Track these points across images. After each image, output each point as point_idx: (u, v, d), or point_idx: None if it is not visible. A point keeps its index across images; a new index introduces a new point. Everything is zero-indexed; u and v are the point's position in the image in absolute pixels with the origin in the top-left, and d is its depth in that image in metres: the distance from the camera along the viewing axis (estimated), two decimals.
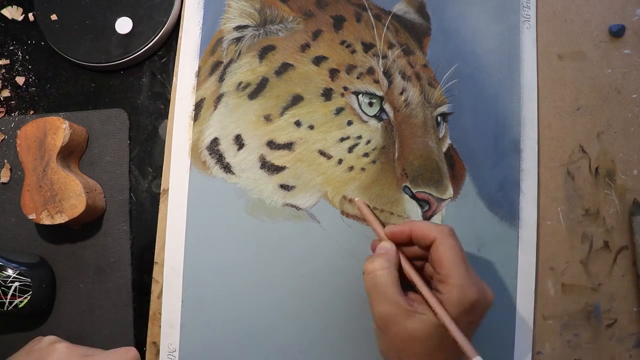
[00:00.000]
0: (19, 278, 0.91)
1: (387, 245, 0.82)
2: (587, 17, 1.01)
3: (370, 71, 0.96)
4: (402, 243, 0.83)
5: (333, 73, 0.96)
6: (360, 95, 0.96)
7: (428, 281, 0.81)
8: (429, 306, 0.75)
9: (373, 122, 0.95)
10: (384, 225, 0.86)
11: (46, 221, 0.92)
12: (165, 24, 1.00)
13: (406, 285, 0.80)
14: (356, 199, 0.94)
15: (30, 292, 0.92)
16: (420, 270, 0.83)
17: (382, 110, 0.96)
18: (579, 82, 0.99)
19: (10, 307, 0.91)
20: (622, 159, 0.97)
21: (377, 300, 0.78)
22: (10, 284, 0.91)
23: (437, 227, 0.79)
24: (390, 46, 0.98)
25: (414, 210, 0.94)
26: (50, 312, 0.98)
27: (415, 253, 0.83)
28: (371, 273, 0.79)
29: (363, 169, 0.94)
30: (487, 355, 0.93)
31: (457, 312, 0.74)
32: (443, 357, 0.76)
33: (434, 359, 0.76)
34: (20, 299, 0.91)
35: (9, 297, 0.91)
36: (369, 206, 0.92)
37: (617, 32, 0.99)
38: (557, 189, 0.97)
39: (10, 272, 0.91)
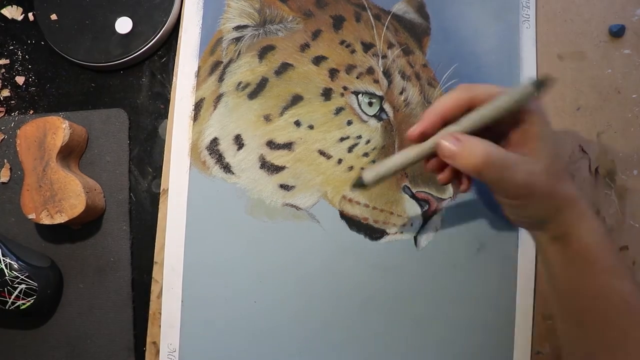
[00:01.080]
0: (27, 281, 0.91)
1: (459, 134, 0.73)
2: (587, 17, 1.01)
3: (370, 71, 0.96)
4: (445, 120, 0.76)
5: (333, 73, 0.96)
6: (360, 95, 0.96)
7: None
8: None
9: (373, 122, 0.95)
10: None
11: (46, 221, 0.92)
12: (165, 24, 1.00)
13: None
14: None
15: (35, 297, 0.92)
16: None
17: (381, 110, 0.96)
18: (579, 82, 0.99)
19: (12, 307, 0.91)
20: (622, 159, 0.97)
21: (507, 176, 0.71)
22: (17, 285, 0.91)
23: (496, 86, 0.74)
24: (390, 46, 0.98)
25: (413, 209, 0.94)
26: (51, 312, 0.98)
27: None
28: (485, 160, 0.70)
29: (363, 168, 0.94)
30: (487, 355, 0.94)
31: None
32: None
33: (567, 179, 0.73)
34: (23, 302, 0.91)
35: (12, 297, 0.91)
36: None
37: (617, 32, 0.99)
38: None
39: (19, 273, 0.91)
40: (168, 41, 1.03)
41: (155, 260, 0.96)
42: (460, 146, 0.71)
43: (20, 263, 0.92)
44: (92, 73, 1.04)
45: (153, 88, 1.02)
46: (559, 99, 0.98)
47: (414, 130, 0.75)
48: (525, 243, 0.95)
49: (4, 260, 0.91)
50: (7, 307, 0.91)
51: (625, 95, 0.98)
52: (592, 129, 0.98)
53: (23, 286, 0.91)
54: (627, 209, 0.96)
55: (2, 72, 1.05)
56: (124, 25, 1.00)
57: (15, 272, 0.91)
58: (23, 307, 0.92)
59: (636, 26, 1.00)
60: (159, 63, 1.03)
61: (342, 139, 0.95)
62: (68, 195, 0.92)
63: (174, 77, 1.00)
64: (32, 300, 0.92)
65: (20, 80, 1.04)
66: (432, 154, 0.75)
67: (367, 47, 0.97)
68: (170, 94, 1.00)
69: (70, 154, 0.97)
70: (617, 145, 0.97)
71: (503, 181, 0.71)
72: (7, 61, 1.05)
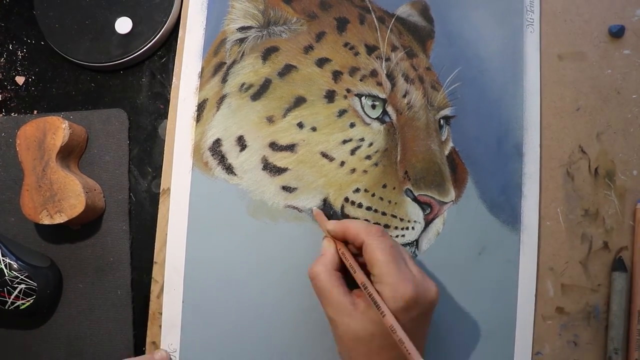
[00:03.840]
0: (26, 281, 0.91)
1: (325, 245, 0.86)
2: (587, 17, 1.01)
3: (374, 73, 0.96)
4: (344, 241, 0.86)
5: (336, 75, 0.96)
6: (363, 98, 0.95)
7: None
8: (373, 303, 0.76)
9: (375, 125, 0.95)
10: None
11: (45, 221, 0.92)
12: (165, 24, 0.99)
13: (354, 284, 0.81)
14: (313, 209, 0.95)
15: (35, 297, 0.92)
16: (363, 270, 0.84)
17: (384, 112, 0.96)
18: (578, 83, 0.99)
19: (11, 307, 0.91)
20: (622, 160, 0.97)
21: (323, 302, 0.81)
22: (16, 285, 0.91)
23: (367, 228, 0.81)
24: (394, 49, 0.98)
25: (415, 212, 0.94)
26: (50, 312, 0.98)
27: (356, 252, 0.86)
28: (314, 278, 0.82)
29: (365, 171, 0.94)
30: (487, 355, 0.94)
31: (392, 310, 0.74)
32: (390, 357, 0.77)
33: (382, 359, 0.77)
34: (22, 301, 0.91)
35: (12, 297, 0.91)
36: (322, 211, 0.95)
37: (617, 33, 0.99)
38: (556, 189, 0.97)
39: (18, 272, 0.91)
40: (168, 41, 1.03)
41: (155, 260, 0.96)
42: (318, 259, 0.85)
43: (20, 263, 0.92)
44: (92, 73, 1.03)
45: (153, 88, 1.02)
46: (559, 99, 0.99)
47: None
48: (527, 246, 0.95)
49: (3, 260, 0.91)
50: (6, 307, 0.91)
51: (625, 95, 0.99)
52: (592, 129, 0.98)
53: (23, 286, 0.91)
54: (627, 209, 0.97)
55: (2, 72, 1.04)
56: (124, 25, 1.00)
57: (14, 272, 0.91)
58: (23, 307, 0.91)
59: (636, 26, 1.00)
60: (158, 63, 1.02)
61: (344, 142, 0.95)
62: (68, 195, 0.92)
63: (174, 78, 0.99)
64: (32, 300, 0.92)
65: (20, 80, 1.03)
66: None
67: (371, 49, 0.97)
68: (170, 94, 1.00)
69: (70, 154, 0.96)
70: (616, 145, 0.98)
71: (320, 302, 0.83)
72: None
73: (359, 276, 0.79)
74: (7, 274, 0.90)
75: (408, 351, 0.71)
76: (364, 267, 0.81)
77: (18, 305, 0.91)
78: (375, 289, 0.77)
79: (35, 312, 0.94)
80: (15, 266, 0.91)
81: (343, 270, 0.83)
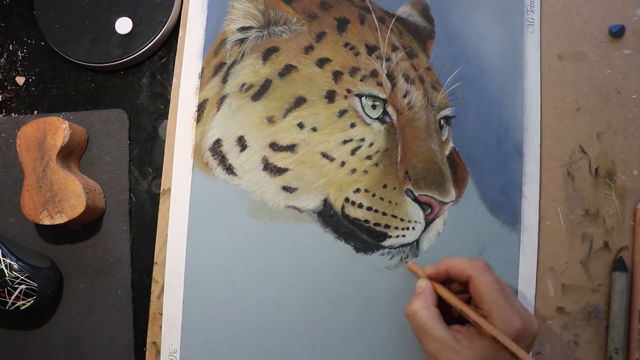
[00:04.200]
0: (27, 281, 0.91)
1: (422, 284, 0.85)
2: (587, 17, 1.01)
3: (374, 74, 0.96)
4: (444, 280, 0.86)
5: (336, 75, 0.96)
6: (363, 98, 0.96)
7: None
8: (481, 330, 0.77)
9: (376, 125, 0.95)
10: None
11: (46, 221, 0.92)
12: (165, 24, 0.99)
13: (452, 319, 0.82)
14: (408, 264, 0.95)
15: (35, 297, 0.92)
16: (469, 303, 0.85)
17: (385, 112, 0.96)
18: (579, 83, 0.99)
19: (12, 308, 0.91)
20: (622, 159, 0.97)
21: (424, 340, 0.81)
22: (16, 286, 0.91)
23: (471, 262, 0.82)
24: (394, 49, 0.98)
25: (416, 213, 0.94)
26: (51, 313, 0.98)
27: (458, 288, 0.86)
28: (412, 315, 0.82)
29: (366, 171, 0.95)
30: None
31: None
32: None
33: None
34: (23, 302, 0.91)
35: (12, 297, 0.91)
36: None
37: (617, 33, 0.99)
38: (557, 189, 0.97)
39: (19, 273, 0.91)
40: (168, 42, 1.03)
41: (155, 260, 0.96)
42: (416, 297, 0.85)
43: (20, 263, 0.92)
44: (92, 73, 1.03)
45: (153, 88, 1.02)
46: (559, 99, 0.99)
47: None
48: (527, 247, 0.96)
49: (4, 260, 0.91)
50: (7, 308, 0.91)
51: (625, 95, 0.99)
52: (592, 129, 0.98)
53: (23, 287, 0.91)
54: (628, 209, 0.97)
55: (2, 72, 1.04)
56: (124, 25, 1.00)
57: (15, 273, 0.91)
58: (23, 307, 0.91)
59: (636, 26, 1.00)
60: (159, 63, 1.02)
61: (345, 142, 0.95)
62: (68, 195, 0.92)
63: (175, 78, 0.99)
64: (32, 301, 0.92)
65: (20, 80, 1.03)
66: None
67: (371, 49, 0.97)
68: (170, 94, 1.00)
69: (70, 154, 0.96)
70: (617, 145, 0.98)
71: (420, 339, 0.82)
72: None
73: (467, 311, 0.80)
74: (7, 275, 0.90)
75: None
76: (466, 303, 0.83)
77: (18, 306, 0.91)
78: (487, 321, 0.78)
79: (36, 312, 0.94)
80: (15, 267, 0.91)
81: (439, 307, 0.84)
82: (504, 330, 0.75)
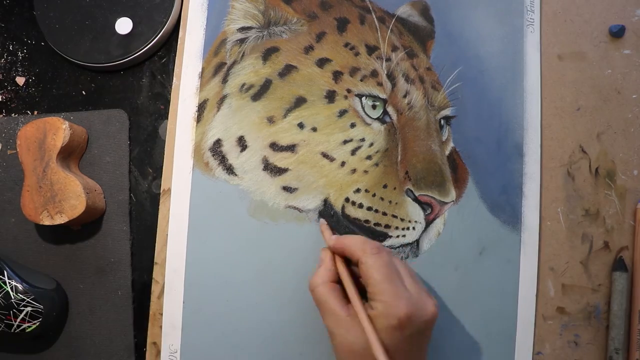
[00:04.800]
0: (32, 303, 0.91)
1: (322, 256, 0.86)
2: (587, 17, 1.01)
3: (374, 74, 0.96)
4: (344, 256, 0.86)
5: (336, 75, 0.96)
6: (363, 98, 0.96)
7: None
8: (359, 318, 0.77)
9: (376, 125, 0.95)
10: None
11: (46, 222, 0.92)
12: (165, 24, 1.00)
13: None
14: (320, 221, 0.95)
15: (41, 319, 0.91)
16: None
17: (385, 113, 0.96)
18: (579, 83, 0.99)
19: (18, 330, 0.91)
20: (622, 160, 0.97)
21: (322, 313, 0.81)
22: (22, 308, 0.90)
23: (362, 245, 0.81)
24: (394, 49, 0.98)
25: (416, 213, 0.94)
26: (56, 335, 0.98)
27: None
28: (312, 290, 0.83)
29: (366, 171, 0.95)
30: (488, 355, 0.94)
31: (385, 328, 0.75)
32: None
33: None
34: (29, 324, 0.91)
35: (18, 320, 0.91)
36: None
37: (617, 33, 0.99)
38: (557, 189, 0.97)
39: (24, 295, 0.91)
40: (168, 42, 1.03)
41: (155, 260, 0.96)
42: (317, 271, 0.85)
43: (26, 285, 0.92)
44: (92, 74, 1.03)
45: (153, 89, 1.02)
46: (559, 99, 0.99)
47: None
48: (528, 246, 0.96)
49: (9, 282, 0.91)
50: (12, 331, 0.91)
51: (625, 95, 0.99)
52: (592, 129, 0.98)
53: (29, 309, 0.91)
54: (628, 209, 0.97)
55: (2, 72, 1.04)
56: (124, 25, 1.00)
57: (20, 295, 0.91)
58: (29, 329, 0.91)
59: (636, 26, 1.00)
60: (159, 64, 1.03)
61: (345, 142, 0.95)
62: (68, 196, 0.92)
63: (175, 78, 0.99)
64: (38, 323, 0.91)
65: (20, 80, 1.03)
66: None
67: (371, 49, 0.97)
68: (170, 94, 1.00)
69: (71, 154, 0.97)
70: (617, 146, 0.98)
71: (320, 313, 0.83)
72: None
73: (350, 292, 0.80)
74: (13, 297, 0.90)
75: None
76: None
77: (24, 328, 0.91)
78: (364, 306, 0.78)
79: (41, 335, 0.94)
80: (20, 288, 0.91)
81: (341, 282, 0.84)
82: (387, 314, 0.75)
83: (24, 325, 0.91)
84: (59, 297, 0.95)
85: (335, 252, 0.85)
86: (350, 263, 0.85)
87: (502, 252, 0.94)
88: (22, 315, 0.91)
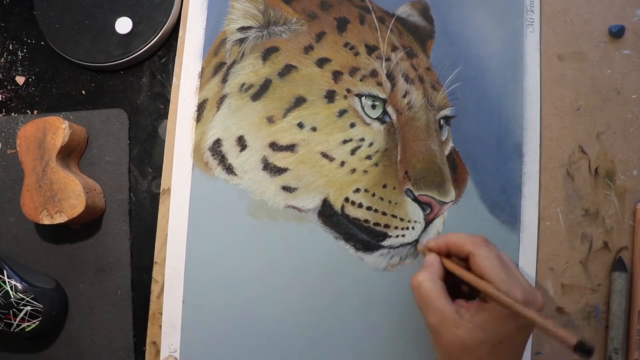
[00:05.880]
0: (32, 302, 0.91)
1: (430, 258, 0.83)
2: (587, 17, 1.01)
3: (374, 74, 0.96)
4: (445, 256, 0.84)
5: (336, 75, 0.96)
6: (363, 98, 0.96)
7: (471, 292, 0.83)
8: (488, 295, 0.76)
9: (376, 125, 0.95)
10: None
11: (46, 221, 0.92)
12: (165, 24, 1.00)
13: (455, 294, 0.81)
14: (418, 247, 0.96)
15: (40, 319, 0.92)
16: (463, 283, 0.84)
17: (384, 112, 0.96)
18: (578, 83, 0.99)
19: (17, 330, 0.91)
20: (622, 160, 0.97)
21: (426, 312, 0.79)
22: (22, 307, 0.91)
23: (470, 238, 0.81)
24: (394, 49, 0.98)
25: (416, 212, 0.94)
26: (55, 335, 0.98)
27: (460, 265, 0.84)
28: (417, 286, 0.80)
29: (365, 171, 0.95)
30: None
31: (502, 316, 0.75)
32: None
33: None
34: (28, 323, 0.91)
35: (17, 319, 0.91)
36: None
37: (617, 33, 0.99)
38: (556, 189, 0.97)
39: (24, 294, 0.91)
40: (168, 41, 1.03)
41: (155, 260, 0.96)
42: (422, 269, 0.83)
43: (25, 285, 0.92)
44: (92, 73, 1.03)
45: (153, 88, 1.02)
46: (559, 99, 0.99)
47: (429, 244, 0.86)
48: (526, 246, 0.96)
49: (9, 282, 0.91)
50: (12, 330, 0.91)
51: (625, 95, 0.99)
52: (592, 129, 0.98)
53: (28, 308, 0.91)
54: (627, 209, 0.97)
55: (2, 72, 1.04)
56: (124, 25, 1.00)
57: (20, 294, 0.91)
58: (28, 329, 0.91)
59: (636, 26, 1.00)
60: (159, 63, 1.03)
61: (345, 142, 0.95)
62: (68, 195, 0.92)
63: (174, 78, 0.99)
64: (37, 322, 0.92)
65: (20, 80, 1.04)
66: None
67: (371, 49, 0.97)
68: (170, 94, 1.00)
69: (70, 154, 0.97)
70: (616, 146, 0.98)
71: (423, 312, 0.81)
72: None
73: (480, 283, 0.78)
74: (12, 296, 0.91)
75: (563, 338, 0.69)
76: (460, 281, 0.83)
77: (23, 328, 0.91)
78: (500, 291, 0.76)
79: (41, 334, 0.94)
80: (20, 288, 0.91)
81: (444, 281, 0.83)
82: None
83: (24, 325, 0.91)
84: (58, 296, 0.95)
85: (439, 252, 0.84)
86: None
87: (502, 251, 0.94)
88: (21, 315, 0.91)
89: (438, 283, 0.80)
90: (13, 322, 0.91)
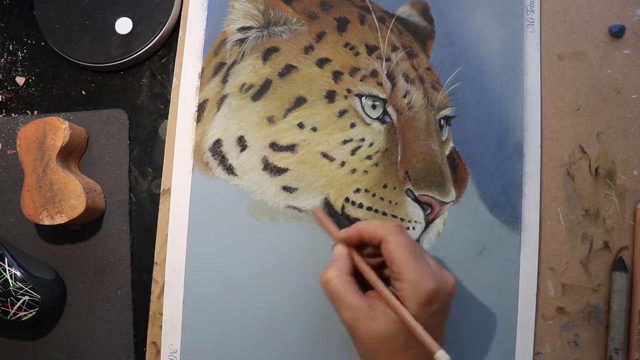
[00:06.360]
0: (30, 292, 0.91)
1: (338, 250, 0.83)
2: (587, 17, 1.01)
3: (374, 74, 0.96)
4: (358, 245, 0.83)
5: (336, 75, 0.96)
6: (363, 98, 0.96)
7: (388, 279, 0.81)
8: (386, 302, 0.76)
9: (376, 125, 0.95)
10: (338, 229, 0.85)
11: (46, 221, 0.92)
12: (165, 24, 1.00)
13: (368, 285, 0.81)
14: (312, 209, 0.95)
15: (37, 309, 0.92)
16: (381, 269, 0.83)
17: (385, 112, 0.96)
18: (579, 83, 0.99)
19: (14, 318, 0.91)
20: (622, 160, 0.97)
21: (338, 308, 0.79)
22: (20, 296, 0.91)
23: (384, 225, 0.80)
24: (394, 49, 0.98)
25: (416, 213, 0.94)
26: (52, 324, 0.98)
27: (371, 252, 0.84)
28: (326, 283, 0.80)
29: (366, 171, 0.95)
30: (488, 355, 0.94)
31: (415, 306, 0.74)
32: (414, 354, 0.76)
33: (405, 357, 0.76)
34: (25, 313, 0.91)
35: (15, 308, 0.91)
36: (323, 211, 0.93)
37: (617, 33, 0.99)
38: (557, 189, 0.97)
39: (22, 283, 0.91)
40: (168, 42, 1.03)
41: (155, 260, 0.96)
42: (330, 264, 0.82)
43: (25, 274, 0.92)
44: (92, 73, 1.03)
45: (153, 88, 1.02)
46: (559, 99, 0.99)
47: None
48: (527, 246, 0.95)
49: (9, 270, 0.91)
50: (8, 318, 0.91)
51: (625, 95, 0.99)
52: (592, 129, 0.98)
53: (26, 298, 0.91)
54: (628, 209, 0.97)
55: (2, 72, 1.04)
56: (124, 25, 1.00)
57: (19, 283, 0.91)
58: (25, 318, 0.91)
59: (636, 26, 1.00)
60: (159, 63, 1.03)
61: (345, 142, 0.95)
62: (68, 195, 0.92)
63: (175, 78, 0.99)
64: (34, 312, 0.92)
65: (20, 80, 1.03)
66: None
67: (371, 49, 0.97)
68: (170, 94, 1.00)
69: (70, 154, 0.97)
70: (617, 145, 0.98)
71: (335, 308, 0.81)
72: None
73: (375, 282, 0.79)
74: (11, 285, 0.90)
75: (429, 347, 0.72)
76: (377, 267, 0.82)
77: (20, 317, 0.91)
78: (389, 290, 0.77)
79: (37, 324, 0.94)
80: (19, 276, 0.91)
81: (354, 274, 0.82)
82: (416, 292, 0.74)
83: (20, 314, 0.91)
84: (57, 287, 0.95)
85: (350, 241, 0.83)
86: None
87: (502, 252, 0.94)
88: (19, 304, 0.91)
89: (347, 278, 0.80)
90: (10, 310, 0.91)
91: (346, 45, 0.97)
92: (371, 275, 0.80)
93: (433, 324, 0.75)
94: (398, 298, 0.76)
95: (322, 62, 0.97)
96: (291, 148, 0.95)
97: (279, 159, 0.95)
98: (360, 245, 0.84)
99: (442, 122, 0.97)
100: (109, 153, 1.00)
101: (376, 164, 0.95)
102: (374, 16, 0.99)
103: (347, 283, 0.79)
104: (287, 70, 0.97)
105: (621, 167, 0.97)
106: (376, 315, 0.76)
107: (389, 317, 0.75)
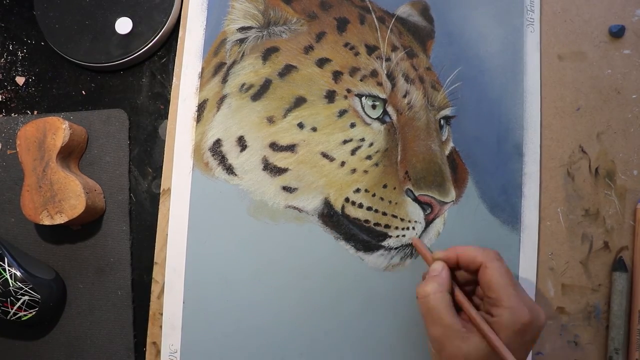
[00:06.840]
0: (30, 292, 0.91)
1: (438, 267, 0.82)
2: (587, 17, 1.01)
3: (374, 74, 0.96)
4: (450, 267, 0.83)
5: (336, 75, 0.96)
6: (363, 98, 0.96)
7: (478, 304, 0.82)
8: (479, 330, 0.76)
9: (376, 125, 0.95)
10: (431, 252, 0.85)
11: (46, 221, 0.92)
12: (165, 24, 1.00)
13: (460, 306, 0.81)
14: (412, 238, 0.94)
15: (37, 309, 0.92)
16: (471, 294, 0.84)
17: (385, 112, 0.96)
18: (579, 83, 0.99)
19: (14, 318, 0.91)
20: (622, 159, 0.97)
21: (431, 323, 0.79)
22: (20, 296, 0.91)
23: (483, 251, 0.81)
24: (394, 49, 0.98)
25: (416, 212, 0.94)
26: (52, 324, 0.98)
27: (464, 277, 0.84)
28: (424, 297, 0.80)
29: (366, 171, 0.95)
30: None
31: (509, 334, 0.74)
32: None
33: None
34: (25, 313, 0.91)
35: (15, 308, 0.91)
36: (421, 241, 0.92)
37: (617, 33, 0.99)
38: (557, 189, 0.97)
39: (22, 283, 0.91)
40: (168, 42, 1.03)
41: (155, 260, 0.96)
42: (429, 279, 0.81)
43: (25, 274, 0.92)
44: (92, 73, 1.03)
45: (153, 88, 1.02)
46: (559, 99, 0.99)
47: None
48: (527, 246, 0.95)
49: (9, 270, 0.91)
50: (8, 318, 0.91)
51: (625, 95, 0.99)
52: (592, 129, 0.98)
53: (26, 298, 0.91)
54: (628, 209, 0.97)
55: (2, 72, 1.04)
56: (124, 25, 1.00)
57: (19, 283, 0.91)
58: (24, 318, 0.91)
59: (636, 26, 1.00)
60: (158, 63, 1.03)
61: (345, 142, 0.95)
62: (68, 195, 0.92)
63: (174, 78, 0.99)
64: (34, 312, 0.92)
65: (20, 80, 1.03)
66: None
67: (371, 49, 0.97)
68: (170, 94, 1.00)
69: (70, 154, 0.97)
70: (617, 145, 0.98)
71: (427, 323, 0.80)
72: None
73: (468, 308, 0.79)
74: (11, 285, 0.90)
75: None
76: (470, 294, 0.84)
77: (20, 317, 0.91)
78: (482, 313, 0.78)
79: (37, 324, 0.94)
80: (19, 277, 0.91)
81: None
82: (513, 320, 0.74)
83: (20, 314, 0.91)
84: (57, 287, 0.95)
85: (447, 264, 0.83)
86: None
87: (502, 252, 0.93)
88: (18, 304, 0.91)
89: (446, 296, 0.79)
90: (10, 310, 0.91)
91: (346, 45, 0.97)
92: (463, 300, 0.80)
93: (521, 355, 0.76)
94: (489, 323, 0.76)
95: (322, 62, 0.97)
96: (291, 148, 0.95)
97: (279, 159, 0.95)
98: (452, 269, 0.84)
99: (442, 122, 0.97)
100: (109, 153, 1.00)
101: (376, 164, 0.95)
102: (374, 16, 0.99)
103: (445, 300, 0.79)
104: (287, 70, 0.97)
105: (621, 167, 0.97)
106: (469, 336, 0.76)
107: (480, 341, 0.75)
